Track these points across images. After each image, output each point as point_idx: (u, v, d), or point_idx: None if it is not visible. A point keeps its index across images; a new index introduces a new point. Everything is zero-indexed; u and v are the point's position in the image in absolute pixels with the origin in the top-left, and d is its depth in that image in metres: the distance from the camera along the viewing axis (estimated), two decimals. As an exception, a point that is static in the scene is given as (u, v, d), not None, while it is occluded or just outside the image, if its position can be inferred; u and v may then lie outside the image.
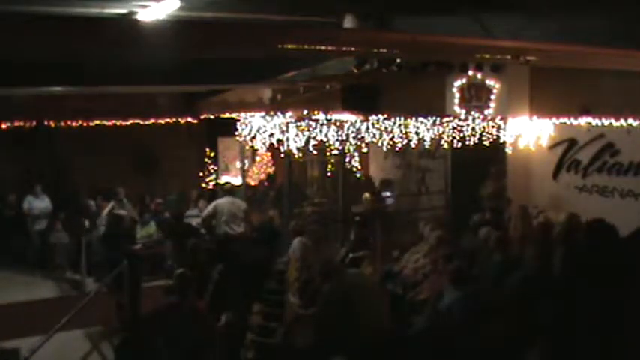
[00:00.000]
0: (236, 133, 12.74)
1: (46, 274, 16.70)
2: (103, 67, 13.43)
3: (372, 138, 12.12)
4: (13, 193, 18.81)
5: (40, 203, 17.98)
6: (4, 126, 18.15)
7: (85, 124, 19.14)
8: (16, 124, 18.29)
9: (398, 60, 10.97)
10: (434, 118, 12.72)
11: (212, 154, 22.06)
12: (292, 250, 11.39)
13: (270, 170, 21.30)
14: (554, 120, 12.96)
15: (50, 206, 18.01)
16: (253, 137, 12.07)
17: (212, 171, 21.94)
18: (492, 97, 14.01)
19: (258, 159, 21.33)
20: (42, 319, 11.43)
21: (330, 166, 15.86)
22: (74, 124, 18.98)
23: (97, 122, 19.32)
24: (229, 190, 15.46)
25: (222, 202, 13.97)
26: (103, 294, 12.36)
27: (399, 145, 12.66)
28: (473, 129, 13.01)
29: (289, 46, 8.10)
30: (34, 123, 18.34)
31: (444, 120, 12.88)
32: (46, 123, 18.49)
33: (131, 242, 13.71)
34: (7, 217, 18.40)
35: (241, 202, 14.16)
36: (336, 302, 8.33)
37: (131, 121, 19.66)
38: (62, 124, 18.75)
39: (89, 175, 19.01)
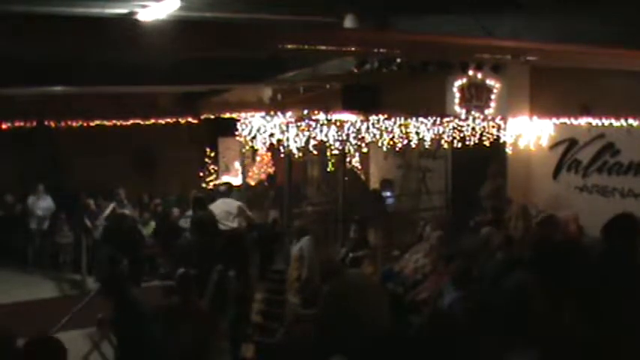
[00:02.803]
0: (236, 133, 12.75)
1: (47, 273, 16.71)
2: (103, 67, 13.43)
3: (372, 138, 12.12)
4: (10, 193, 18.79)
5: (42, 203, 17.97)
6: (4, 126, 18.16)
7: (85, 124, 19.14)
8: (17, 124, 18.30)
9: (398, 60, 10.97)
10: (434, 117, 12.73)
11: (212, 154, 22.08)
12: (299, 249, 11.38)
13: (271, 170, 21.32)
14: (554, 120, 12.97)
15: (53, 206, 17.99)
16: (253, 137, 12.08)
17: (212, 171, 21.95)
18: (492, 96, 14.02)
19: (258, 159, 21.34)
20: (42, 319, 11.44)
21: (330, 166, 15.86)
22: (74, 124, 18.99)
23: (98, 122, 19.32)
24: (224, 192, 15.48)
25: (215, 205, 13.99)
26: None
27: (399, 145, 12.66)
28: (473, 129, 13.02)
29: (289, 46, 8.11)
30: (35, 123, 18.34)
31: (445, 120, 12.89)
32: (46, 123, 18.50)
33: (136, 240, 13.70)
34: (7, 217, 18.39)
35: (234, 201, 14.17)
36: (336, 302, 8.33)
37: (131, 121, 19.67)
38: (62, 124, 18.76)
39: (89, 175, 18.99)
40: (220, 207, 13.75)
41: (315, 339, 7.70)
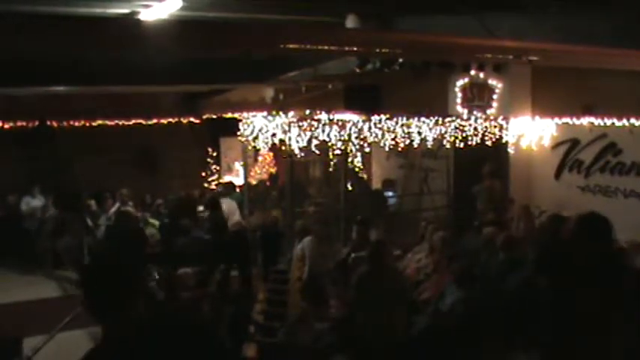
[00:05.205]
0: (238, 133, 12.76)
1: (49, 273, 16.71)
2: (105, 66, 13.45)
3: (374, 138, 12.13)
4: (13, 194, 18.81)
5: (37, 203, 18.03)
6: (6, 126, 18.20)
7: (87, 124, 19.18)
8: (19, 123, 18.33)
9: (400, 60, 10.96)
10: (436, 117, 12.73)
11: (214, 154, 22.08)
12: (301, 249, 11.40)
13: (273, 170, 21.33)
14: (556, 120, 12.96)
15: (46, 206, 18.04)
16: (255, 137, 12.09)
17: (214, 171, 21.96)
18: (494, 96, 14.03)
19: (260, 159, 21.36)
20: (45, 318, 11.44)
21: (332, 166, 15.86)
22: (77, 123, 19.03)
23: (100, 122, 19.36)
24: (222, 193, 15.51)
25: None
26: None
27: (402, 145, 12.66)
28: (475, 129, 13.03)
29: (291, 46, 8.11)
30: (37, 123, 18.37)
31: (447, 120, 12.89)
32: (48, 123, 18.53)
33: (140, 239, 13.71)
34: (8, 218, 18.41)
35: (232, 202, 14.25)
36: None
37: (133, 121, 19.71)
38: (65, 123, 18.79)
39: (91, 175, 18.99)
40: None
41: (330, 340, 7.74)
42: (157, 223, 17.04)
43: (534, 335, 6.08)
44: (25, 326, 10.82)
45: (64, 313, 10.47)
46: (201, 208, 17.01)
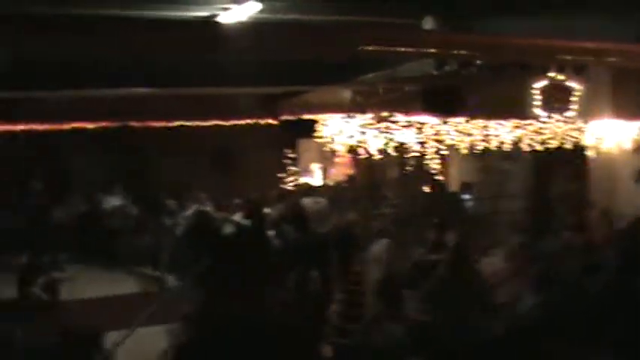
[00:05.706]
0: (316, 135, 12.82)
1: (129, 270, 17.03)
2: (184, 69, 13.64)
3: (451, 140, 12.09)
4: (96, 192, 19.25)
5: (118, 202, 18.45)
6: (90, 126, 18.58)
7: (167, 125, 19.46)
8: (102, 124, 18.70)
9: (478, 62, 10.92)
10: (515, 120, 12.62)
11: (292, 155, 22.19)
12: (377, 251, 11.41)
13: (350, 172, 21.33)
14: (637, 122, 12.74)
15: (126, 205, 18.45)
16: (333, 139, 12.14)
17: (292, 172, 22.07)
18: (574, 98, 13.83)
19: (337, 160, 21.38)
20: (125, 314, 11.67)
21: (409, 168, 15.83)
22: (157, 124, 19.33)
23: (179, 123, 19.62)
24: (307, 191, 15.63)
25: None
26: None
27: (479, 148, 12.58)
28: (554, 131, 12.88)
29: (370, 48, 8.14)
30: (119, 124, 18.72)
31: (525, 122, 12.77)
32: (130, 124, 18.86)
33: (218, 238, 13.90)
34: (91, 216, 18.83)
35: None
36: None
37: (212, 122, 19.92)
38: (145, 124, 19.11)
39: (170, 176, 19.29)
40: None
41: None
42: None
43: (612, 338, 6.03)
44: (107, 321, 11.08)
45: (144, 309, 10.69)
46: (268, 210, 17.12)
